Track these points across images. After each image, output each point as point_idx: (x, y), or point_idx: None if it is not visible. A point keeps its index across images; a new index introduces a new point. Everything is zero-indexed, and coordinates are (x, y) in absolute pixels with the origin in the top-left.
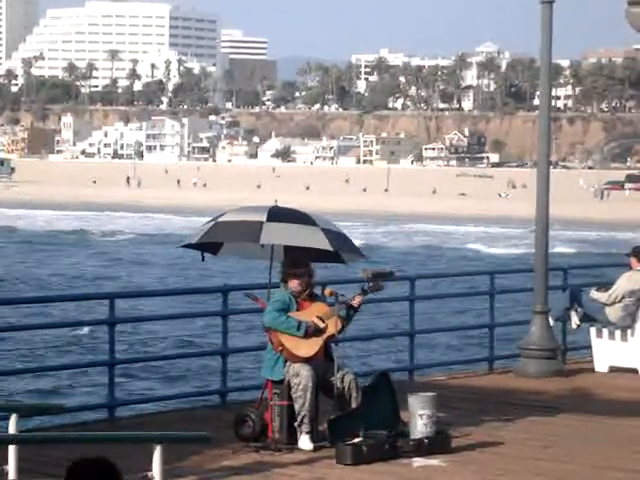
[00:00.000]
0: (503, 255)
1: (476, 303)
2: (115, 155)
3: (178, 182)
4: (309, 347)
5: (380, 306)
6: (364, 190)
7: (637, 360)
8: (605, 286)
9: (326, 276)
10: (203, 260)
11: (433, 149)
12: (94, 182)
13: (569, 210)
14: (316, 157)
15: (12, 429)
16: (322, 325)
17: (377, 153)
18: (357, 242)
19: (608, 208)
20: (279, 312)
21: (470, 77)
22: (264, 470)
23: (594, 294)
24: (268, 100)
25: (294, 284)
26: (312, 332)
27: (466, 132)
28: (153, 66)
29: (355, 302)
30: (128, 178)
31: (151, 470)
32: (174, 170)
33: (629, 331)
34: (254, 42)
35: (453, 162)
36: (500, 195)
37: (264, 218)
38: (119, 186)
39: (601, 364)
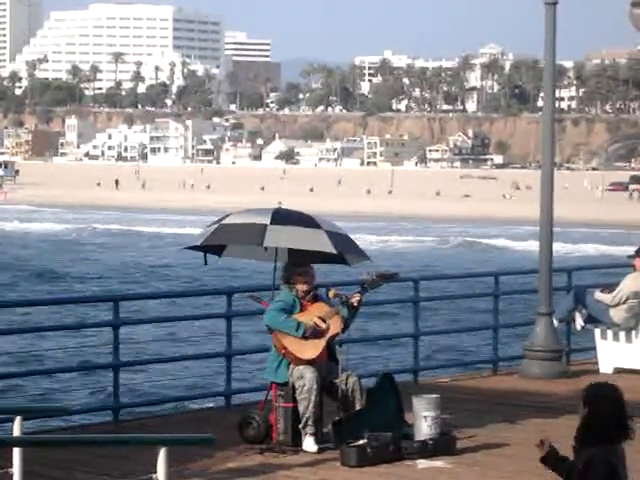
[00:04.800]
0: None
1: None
2: (119, 157)
3: (184, 184)
4: (313, 349)
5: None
6: (368, 192)
7: None
8: (610, 287)
9: (331, 277)
10: (206, 264)
11: (437, 151)
12: (98, 184)
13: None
14: (320, 159)
15: (17, 431)
16: (323, 326)
17: (381, 155)
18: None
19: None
20: (279, 312)
21: (474, 78)
22: (269, 472)
23: (598, 295)
24: (272, 102)
25: (301, 284)
26: (310, 334)
27: (470, 133)
28: (157, 68)
29: (354, 300)
30: (117, 181)
31: (155, 472)
32: (144, 172)
33: (634, 332)
34: (258, 44)
35: (457, 163)
36: (505, 196)
37: (268, 221)
38: (127, 188)
39: (606, 365)
